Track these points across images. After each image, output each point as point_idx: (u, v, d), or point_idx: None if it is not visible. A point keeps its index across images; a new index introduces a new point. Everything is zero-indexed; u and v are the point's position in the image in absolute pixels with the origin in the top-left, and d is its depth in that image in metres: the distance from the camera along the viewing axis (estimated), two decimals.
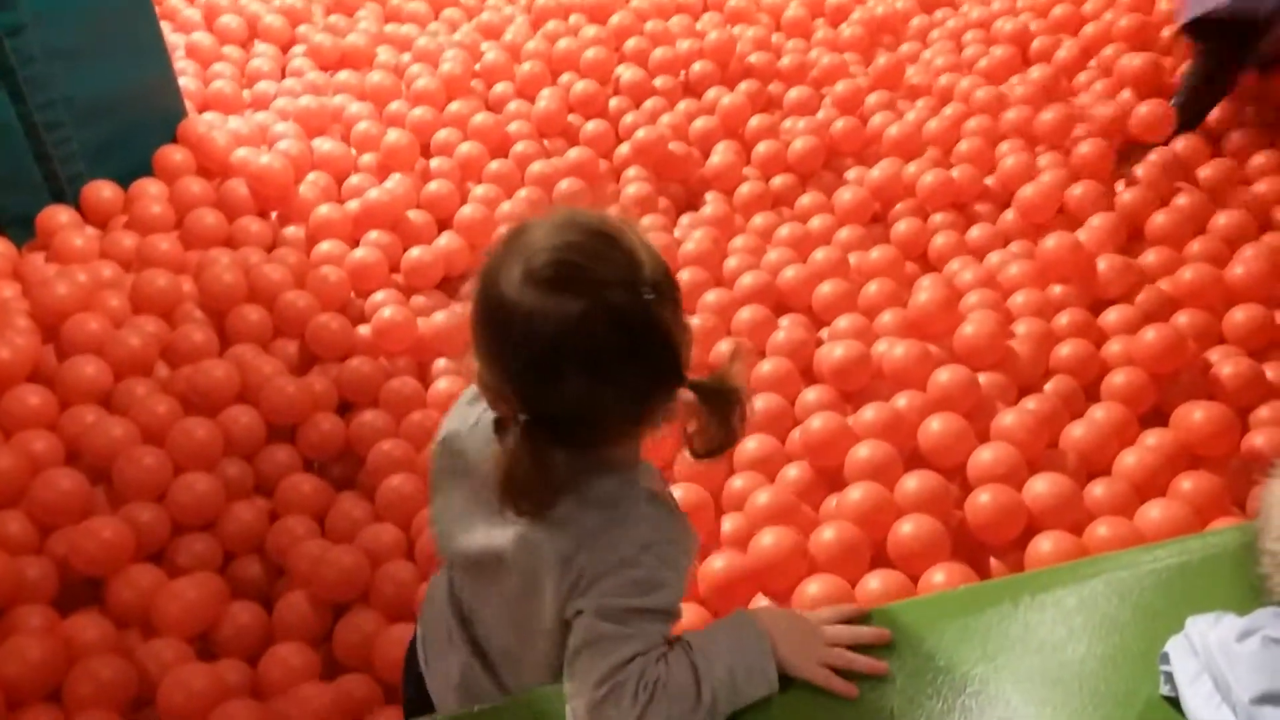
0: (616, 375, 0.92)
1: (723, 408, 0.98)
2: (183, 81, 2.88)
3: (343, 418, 2.19)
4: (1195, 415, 1.91)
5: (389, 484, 2.00)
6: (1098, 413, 1.97)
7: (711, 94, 2.98)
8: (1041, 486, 1.80)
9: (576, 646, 0.97)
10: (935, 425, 1.94)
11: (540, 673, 1.07)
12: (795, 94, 2.96)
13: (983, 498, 1.80)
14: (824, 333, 2.28)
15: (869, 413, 1.98)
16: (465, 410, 1.12)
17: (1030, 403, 1.99)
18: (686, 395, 0.97)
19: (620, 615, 0.96)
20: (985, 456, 1.87)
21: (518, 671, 1.11)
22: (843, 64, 3.06)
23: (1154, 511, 1.74)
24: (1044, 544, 1.72)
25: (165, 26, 3.13)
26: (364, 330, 2.34)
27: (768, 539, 1.77)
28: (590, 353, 0.91)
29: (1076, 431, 1.93)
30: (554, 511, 0.98)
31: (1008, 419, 1.94)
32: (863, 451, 1.90)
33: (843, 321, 2.24)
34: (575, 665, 0.97)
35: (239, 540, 1.97)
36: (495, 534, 1.04)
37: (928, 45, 3.20)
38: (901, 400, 2.03)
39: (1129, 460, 1.86)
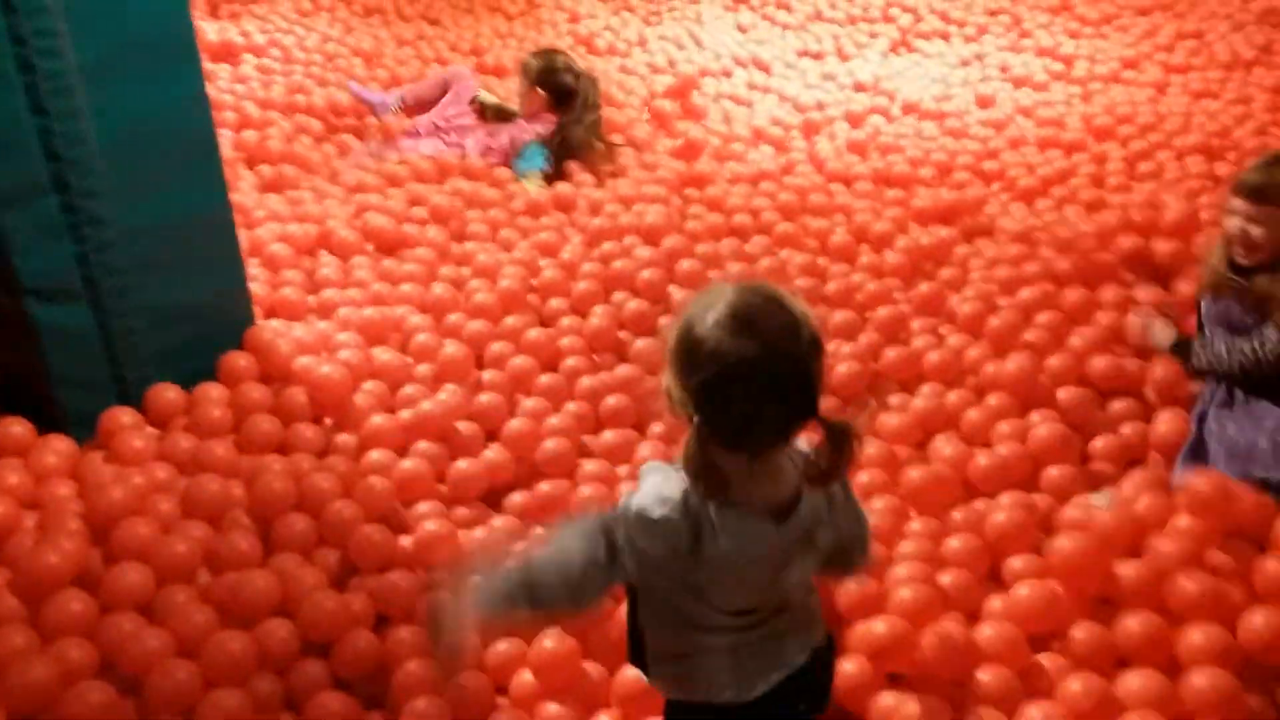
0: (770, 403, 1.29)
1: (839, 443, 1.33)
2: (252, 287, 3.03)
3: (378, 631, 2.17)
4: None
5: (414, 706, 1.96)
6: None
7: None
8: None
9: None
10: None
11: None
12: (840, 318, 3.03)
13: None
14: None
15: None
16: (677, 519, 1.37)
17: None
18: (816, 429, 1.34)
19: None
20: None
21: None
22: (886, 290, 3.14)
23: None
24: None
25: (240, 234, 3.33)
26: (405, 541, 2.35)
27: None
28: (754, 383, 1.28)
29: None
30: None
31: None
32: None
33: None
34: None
35: None
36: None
37: (968, 273, 3.26)
38: None
39: None
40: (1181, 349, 2.50)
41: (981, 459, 2.46)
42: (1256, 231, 2.29)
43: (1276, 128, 4.01)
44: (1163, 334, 2.58)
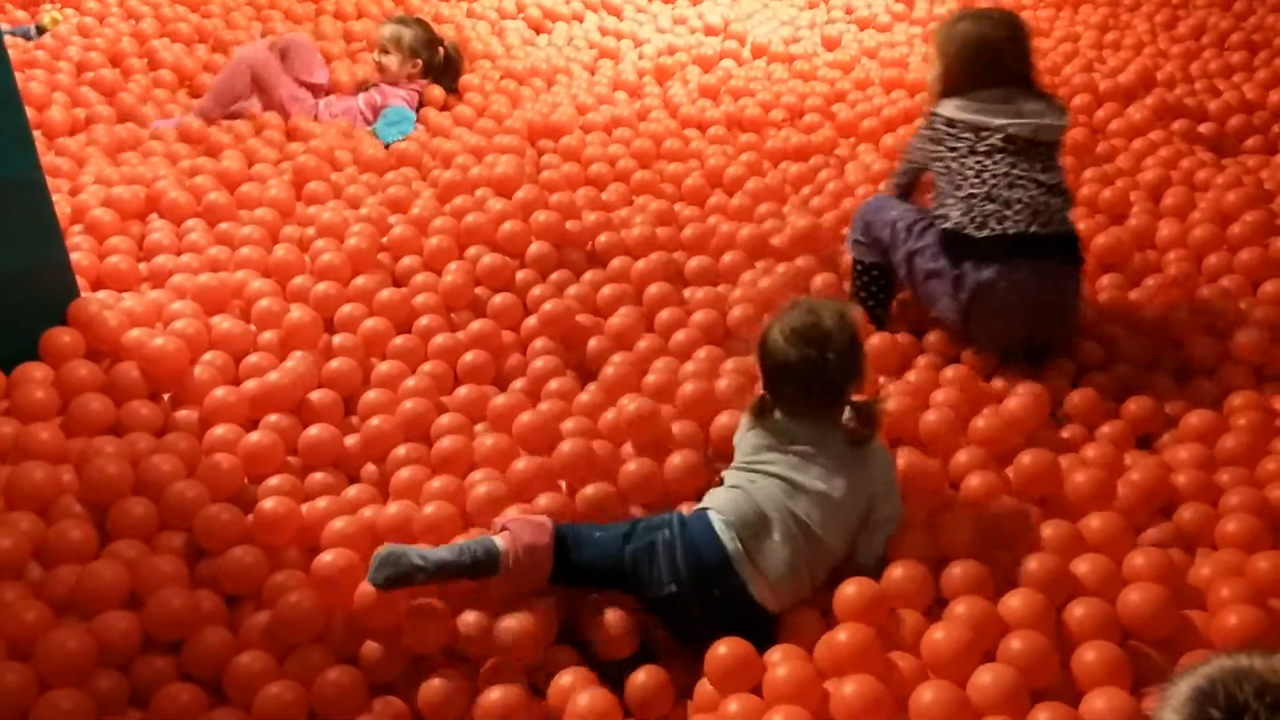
0: (808, 391, 2.03)
1: (864, 417, 2.04)
2: (76, 257, 2.82)
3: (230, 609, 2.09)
4: None
5: (267, 693, 1.90)
6: None
7: (617, 264, 3.03)
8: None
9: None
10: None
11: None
12: (695, 263, 3.03)
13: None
14: None
15: None
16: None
17: None
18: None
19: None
20: None
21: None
22: (735, 232, 3.16)
23: None
24: None
25: (59, 199, 3.09)
26: (252, 518, 2.24)
27: None
28: (795, 377, 2.02)
29: None
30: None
31: None
32: None
33: None
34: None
35: None
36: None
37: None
38: None
39: None
40: None
41: None
42: None
43: (1100, 64, 4.17)
44: None
